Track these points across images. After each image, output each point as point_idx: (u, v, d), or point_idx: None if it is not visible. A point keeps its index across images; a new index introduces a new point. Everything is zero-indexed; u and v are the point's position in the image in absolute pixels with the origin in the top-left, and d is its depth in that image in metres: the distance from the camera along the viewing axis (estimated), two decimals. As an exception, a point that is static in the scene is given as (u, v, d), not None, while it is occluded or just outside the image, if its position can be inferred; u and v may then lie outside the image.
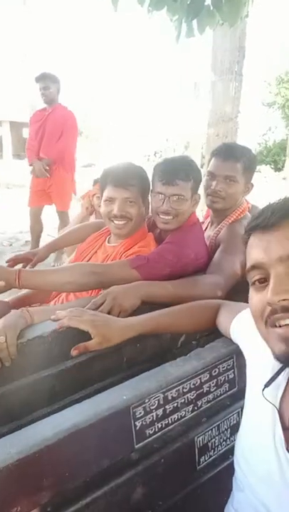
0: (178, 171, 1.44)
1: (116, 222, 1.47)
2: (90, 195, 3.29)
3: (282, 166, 9.86)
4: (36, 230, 4.13)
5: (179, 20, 2.09)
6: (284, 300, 0.62)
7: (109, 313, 1.15)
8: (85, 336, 1.13)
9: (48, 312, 1.16)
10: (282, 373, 0.77)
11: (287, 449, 0.70)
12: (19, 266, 1.56)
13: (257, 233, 0.69)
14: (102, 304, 1.16)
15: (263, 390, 0.76)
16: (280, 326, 0.64)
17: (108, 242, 1.58)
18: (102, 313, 1.14)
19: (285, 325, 0.63)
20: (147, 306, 1.24)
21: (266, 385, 0.77)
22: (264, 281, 0.67)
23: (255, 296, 0.69)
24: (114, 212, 1.44)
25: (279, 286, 0.63)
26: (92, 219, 3.32)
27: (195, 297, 1.21)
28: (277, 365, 0.78)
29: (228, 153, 1.63)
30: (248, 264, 0.70)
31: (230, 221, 1.67)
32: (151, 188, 1.53)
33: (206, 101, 4.72)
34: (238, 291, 1.47)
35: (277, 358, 0.66)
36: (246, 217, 1.71)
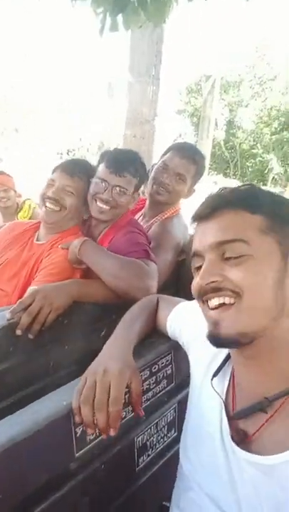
0: (128, 164, 1.40)
1: (48, 205, 1.39)
2: None
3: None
4: None
5: (104, 13, 2.05)
6: (212, 282, 0.66)
7: (38, 313, 1.06)
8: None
9: None
10: (227, 363, 0.78)
11: (232, 437, 0.70)
12: None
13: (197, 223, 0.73)
14: (31, 303, 1.06)
15: (212, 379, 0.76)
16: (211, 309, 0.68)
17: (37, 240, 1.46)
18: (31, 314, 1.05)
19: (214, 308, 0.67)
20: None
21: (214, 375, 0.76)
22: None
23: (195, 279, 0.72)
24: (49, 193, 1.38)
25: (207, 270, 0.67)
26: None
27: (133, 296, 1.17)
28: (224, 355, 0.79)
29: (188, 152, 1.65)
30: (192, 252, 0.74)
31: (163, 217, 1.67)
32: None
33: (122, 102, 4.75)
34: (166, 288, 1.48)
35: (208, 338, 0.69)
36: (178, 216, 1.73)
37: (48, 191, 1.39)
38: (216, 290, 0.66)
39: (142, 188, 1.59)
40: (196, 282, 0.70)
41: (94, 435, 0.84)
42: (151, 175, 1.66)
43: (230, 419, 0.72)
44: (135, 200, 1.50)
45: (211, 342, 0.69)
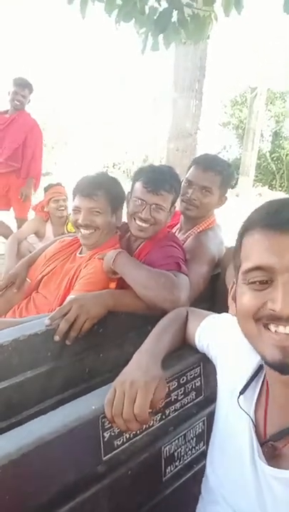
0: (164, 181, 1.44)
1: (82, 231, 1.46)
2: (44, 204, 3.22)
3: (236, 183, 10.31)
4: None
5: (146, 34, 2.14)
6: None
7: (74, 321, 1.12)
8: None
9: (8, 325, 1.11)
10: (255, 381, 0.78)
11: (263, 454, 0.70)
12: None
13: (270, 232, 0.62)
14: (68, 311, 1.12)
15: (239, 397, 0.76)
16: (275, 332, 0.62)
17: (80, 253, 1.55)
18: (68, 321, 1.10)
19: (284, 333, 0.61)
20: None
21: (241, 392, 0.76)
22: (265, 282, 0.63)
23: (250, 293, 0.64)
24: (79, 221, 1.44)
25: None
26: (49, 225, 3.25)
27: (161, 307, 1.21)
28: (252, 371, 0.79)
29: (209, 164, 1.66)
30: (251, 263, 0.64)
31: (198, 230, 1.69)
32: (128, 194, 1.52)
33: (166, 116, 4.84)
34: (201, 301, 1.49)
35: (270, 364, 0.65)
36: (213, 229, 1.74)
37: (78, 219, 1.45)
38: None
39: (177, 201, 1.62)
40: (252, 299, 0.63)
41: (121, 441, 0.87)
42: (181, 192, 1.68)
43: (263, 440, 0.71)
44: (172, 213, 1.54)
45: (275, 369, 0.64)
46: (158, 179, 1.44)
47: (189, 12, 2.07)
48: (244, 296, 0.65)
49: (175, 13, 2.06)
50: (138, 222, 1.45)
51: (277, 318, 0.61)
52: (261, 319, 0.64)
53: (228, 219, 1.99)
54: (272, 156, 14.53)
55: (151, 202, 1.42)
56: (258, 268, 0.63)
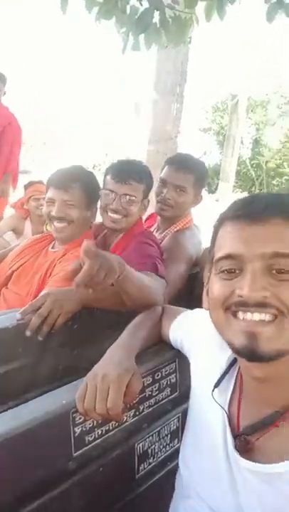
0: (132, 171, 1.44)
1: (56, 224, 1.43)
2: (23, 201, 3.17)
3: (216, 189, 10.45)
4: None
5: (126, 33, 2.14)
6: (264, 297, 0.60)
7: (47, 316, 1.09)
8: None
9: None
10: (229, 374, 0.78)
11: (235, 447, 0.70)
12: None
13: (240, 222, 0.65)
14: (41, 306, 1.10)
15: (213, 390, 0.76)
16: (243, 319, 0.63)
17: (52, 248, 1.52)
18: (41, 315, 1.08)
19: (252, 319, 0.62)
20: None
21: (215, 386, 0.76)
22: (234, 271, 0.64)
23: (219, 282, 0.66)
24: (53, 213, 1.41)
25: (256, 283, 0.61)
26: (28, 223, 3.19)
27: (138, 304, 1.19)
28: (225, 365, 0.78)
29: (182, 163, 1.67)
30: (223, 252, 0.65)
31: (175, 229, 1.69)
32: (101, 190, 1.50)
33: (147, 119, 4.86)
34: (179, 300, 1.49)
35: (237, 351, 0.65)
36: (191, 228, 1.74)
37: (51, 211, 1.42)
38: (261, 305, 0.61)
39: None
40: (222, 287, 0.65)
41: (93, 437, 0.85)
42: (155, 193, 1.67)
43: (237, 433, 0.70)
44: (146, 207, 1.53)
45: (243, 355, 0.64)
46: (126, 169, 1.44)
47: (171, 14, 2.08)
48: (214, 286, 0.67)
49: (157, 13, 2.07)
50: (110, 213, 1.44)
51: (244, 305, 0.62)
52: (230, 308, 0.64)
53: (209, 222, 1.99)
54: (252, 163, 14.81)
55: (121, 192, 1.42)
56: (228, 256, 0.65)
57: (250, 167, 14.86)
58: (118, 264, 0.95)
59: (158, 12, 2.05)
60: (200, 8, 2.13)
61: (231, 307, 0.64)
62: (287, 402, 0.65)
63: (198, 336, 0.91)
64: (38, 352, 1.11)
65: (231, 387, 0.77)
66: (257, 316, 0.61)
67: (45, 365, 1.13)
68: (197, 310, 0.98)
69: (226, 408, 0.74)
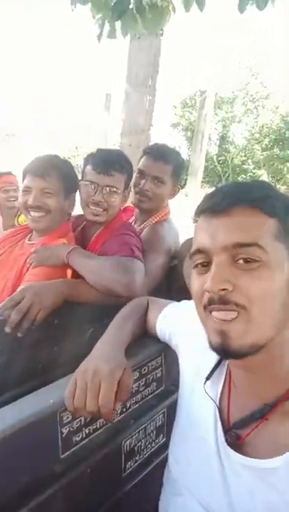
0: (114, 162, 1.38)
1: (32, 213, 1.35)
2: None
3: (184, 184, 10.53)
4: None
5: (103, 20, 2.07)
6: (223, 290, 0.60)
7: (27, 311, 1.03)
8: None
9: None
10: (220, 367, 0.76)
11: (226, 442, 0.68)
12: None
13: (206, 216, 0.65)
14: (20, 301, 1.04)
15: (205, 383, 0.74)
16: (214, 317, 0.62)
17: (28, 240, 1.44)
18: (20, 311, 1.02)
19: (219, 318, 0.62)
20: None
21: (207, 378, 0.74)
22: (207, 265, 0.65)
23: (196, 279, 0.66)
24: (30, 202, 1.33)
25: (218, 276, 0.61)
26: None
27: (115, 291, 1.17)
28: (215, 359, 0.77)
29: (160, 154, 1.63)
30: (194, 247, 0.66)
31: (153, 221, 1.66)
32: (80, 182, 1.44)
33: (119, 112, 4.80)
34: (158, 293, 1.47)
35: (213, 349, 0.64)
36: (169, 220, 1.72)
37: (27, 199, 1.34)
38: (223, 302, 0.61)
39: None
40: (198, 283, 0.65)
41: (80, 436, 0.81)
42: (132, 184, 1.63)
43: (228, 427, 0.69)
44: (126, 198, 1.49)
45: (218, 353, 0.64)
46: (107, 160, 1.39)
47: (148, 1, 2.04)
48: (192, 281, 0.67)
49: (133, 0, 2.02)
50: (92, 206, 1.38)
51: (212, 302, 0.62)
52: (207, 306, 0.64)
53: (179, 217, 1.97)
54: (219, 159, 15.07)
55: (103, 184, 1.37)
56: (198, 251, 0.65)
57: (217, 163, 15.11)
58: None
59: (134, -1, 2.00)
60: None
61: (207, 305, 0.64)
62: (275, 394, 0.64)
63: (186, 328, 0.89)
64: (17, 349, 1.05)
65: (222, 381, 0.75)
66: (222, 314, 0.61)
67: (25, 363, 1.07)
68: (184, 302, 0.96)
69: (217, 401, 0.72)
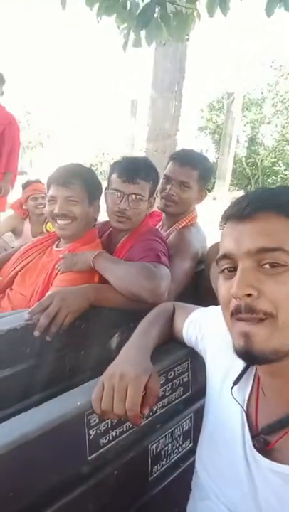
0: (139, 169, 1.41)
1: (59, 221, 1.40)
2: (22, 201, 3.13)
3: (212, 187, 10.44)
4: None
5: (128, 29, 2.11)
6: (248, 295, 0.61)
7: (55, 316, 1.06)
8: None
9: None
10: (248, 372, 0.76)
11: (254, 447, 0.68)
12: None
13: (231, 222, 0.67)
14: (49, 305, 1.07)
15: (232, 388, 0.74)
16: (240, 322, 0.63)
17: (56, 247, 1.48)
18: (48, 315, 1.05)
19: (245, 323, 0.62)
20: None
21: (234, 383, 0.74)
22: (233, 270, 0.65)
23: (223, 284, 0.67)
24: (56, 211, 1.38)
25: (243, 281, 0.61)
26: (27, 224, 3.16)
27: (141, 297, 1.18)
28: (243, 363, 0.76)
29: (186, 159, 1.64)
30: (220, 252, 0.68)
31: (180, 226, 1.67)
32: (106, 189, 1.48)
33: (145, 117, 4.84)
34: (184, 297, 1.47)
35: (236, 352, 0.65)
36: (196, 225, 1.72)
37: (53, 209, 1.38)
38: (251, 311, 0.61)
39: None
40: (225, 289, 0.65)
41: (107, 439, 0.83)
42: (159, 189, 1.64)
43: (255, 433, 0.69)
44: (152, 204, 1.50)
45: (242, 358, 0.64)
46: (132, 168, 1.41)
47: (172, 9, 2.06)
48: (219, 287, 0.68)
49: (158, 9, 2.04)
50: (117, 214, 1.41)
51: (239, 309, 0.62)
52: (234, 314, 0.64)
53: (207, 221, 1.97)
54: (248, 161, 14.84)
55: (128, 192, 1.39)
56: (224, 256, 0.67)
57: (245, 165, 14.88)
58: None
59: (159, 7, 2.02)
60: (202, 3, 2.10)
61: (234, 313, 0.64)
62: None
63: (213, 333, 0.89)
64: (45, 352, 1.08)
65: (250, 386, 0.75)
66: (249, 319, 0.62)
67: (53, 366, 1.10)
68: (212, 307, 0.96)
69: (245, 406, 0.72)
